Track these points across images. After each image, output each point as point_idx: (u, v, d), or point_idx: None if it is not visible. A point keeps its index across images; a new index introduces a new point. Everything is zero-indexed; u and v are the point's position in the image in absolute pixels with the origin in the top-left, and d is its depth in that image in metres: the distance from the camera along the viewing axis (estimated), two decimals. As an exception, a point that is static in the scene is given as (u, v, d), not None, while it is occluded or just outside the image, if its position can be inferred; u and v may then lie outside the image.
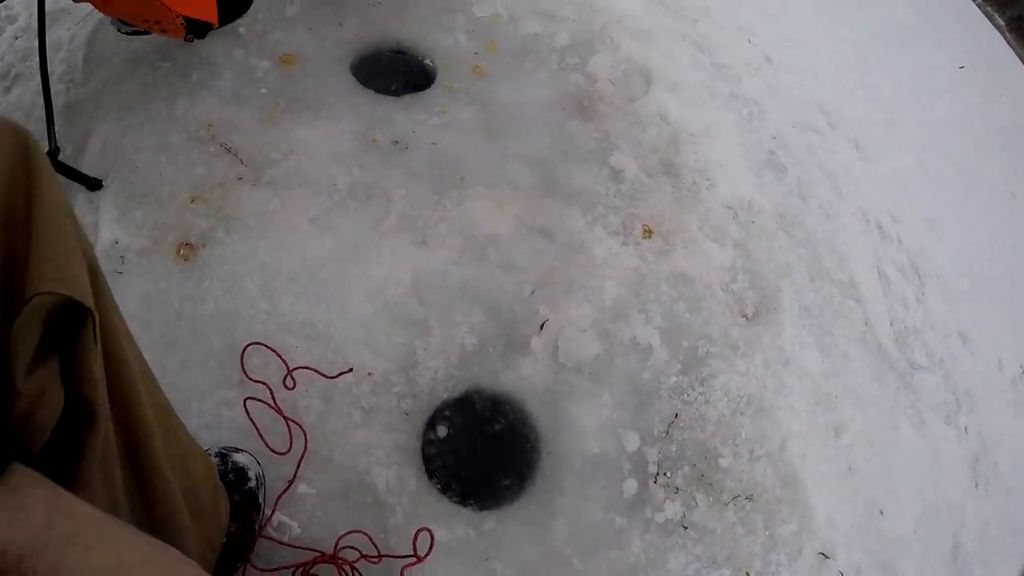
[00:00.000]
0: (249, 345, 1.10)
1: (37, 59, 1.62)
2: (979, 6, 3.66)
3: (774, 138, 1.80)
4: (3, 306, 0.44)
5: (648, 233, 1.41)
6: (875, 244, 1.75)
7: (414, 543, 0.94)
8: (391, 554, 0.97)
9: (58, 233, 0.47)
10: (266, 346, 1.11)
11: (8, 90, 1.60)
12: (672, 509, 1.13)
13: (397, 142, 1.34)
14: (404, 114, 1.40)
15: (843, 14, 3.15)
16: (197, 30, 1.23)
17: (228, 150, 1.27)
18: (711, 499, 1.16)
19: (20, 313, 0.43)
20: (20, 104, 1.54)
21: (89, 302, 0.47)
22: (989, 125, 2.85)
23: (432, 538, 0.96)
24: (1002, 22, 3.66)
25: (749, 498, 1.18)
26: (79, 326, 0.47)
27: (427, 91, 1.47)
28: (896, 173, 2.09)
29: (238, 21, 1.48)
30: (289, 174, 1.26)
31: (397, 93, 1.44)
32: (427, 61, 1.53)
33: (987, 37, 3.60)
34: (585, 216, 1.39)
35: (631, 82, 1.71)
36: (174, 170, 1.26)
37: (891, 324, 1.60)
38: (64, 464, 0.49)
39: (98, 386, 0.49)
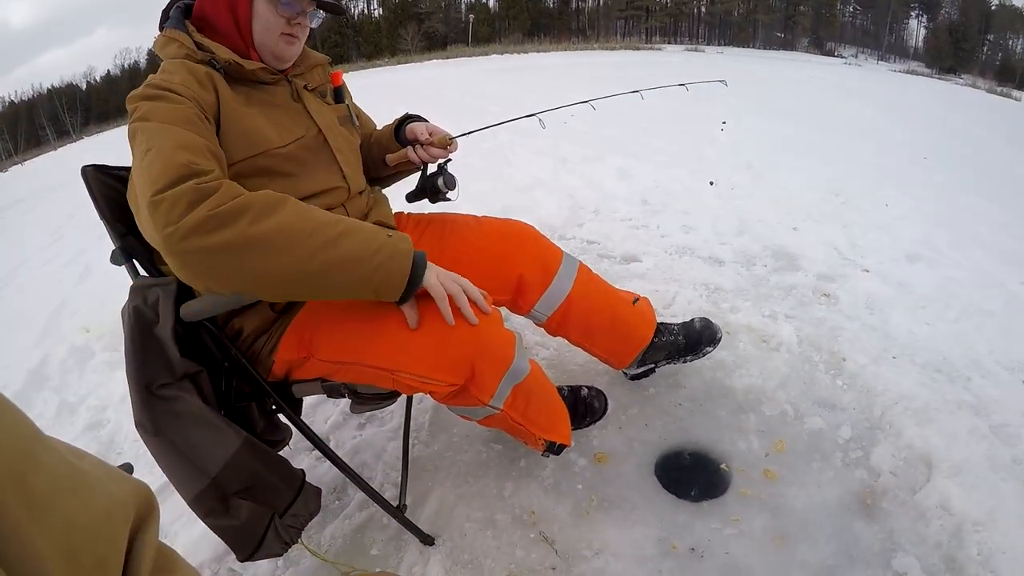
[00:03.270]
0: None
1: (390, 405, 2.14)
2: None
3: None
4: None
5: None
6: None
7: None
8: None
9: None
10: None
11: (363, 427, 2.12)
12: None
13: (694, 550, 1.51)
14: (701, 521, 1.58)
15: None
16: (554, 449, 1.58)
17: (545, 539, 1.55)
18: None
19: None
20: (371, 443, 2.00)
21: None
22: None
23: None
24: None
25: None
26: None
27: (722, 497, 1.66)
28: None
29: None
30: (597, 572, 1.47)
31: (695, 498, 1.65)
32: (723, 466, 1.75)
33: None
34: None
35: (912, 471, 1.74)
36: (497, 547, 1.55)
37: None
38: None
39: None
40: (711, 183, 3.86)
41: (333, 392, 1.43)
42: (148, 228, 1.08)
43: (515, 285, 1.66)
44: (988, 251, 3.63)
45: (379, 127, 1.79)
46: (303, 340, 1.33)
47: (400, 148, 1.65)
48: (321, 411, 2.10)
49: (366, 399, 1.46)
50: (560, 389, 1.86)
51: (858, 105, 12.04)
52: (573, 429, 1.81)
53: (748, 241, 3.20)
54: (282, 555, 1.35)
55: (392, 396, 1.49)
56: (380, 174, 1.74)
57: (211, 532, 1.25)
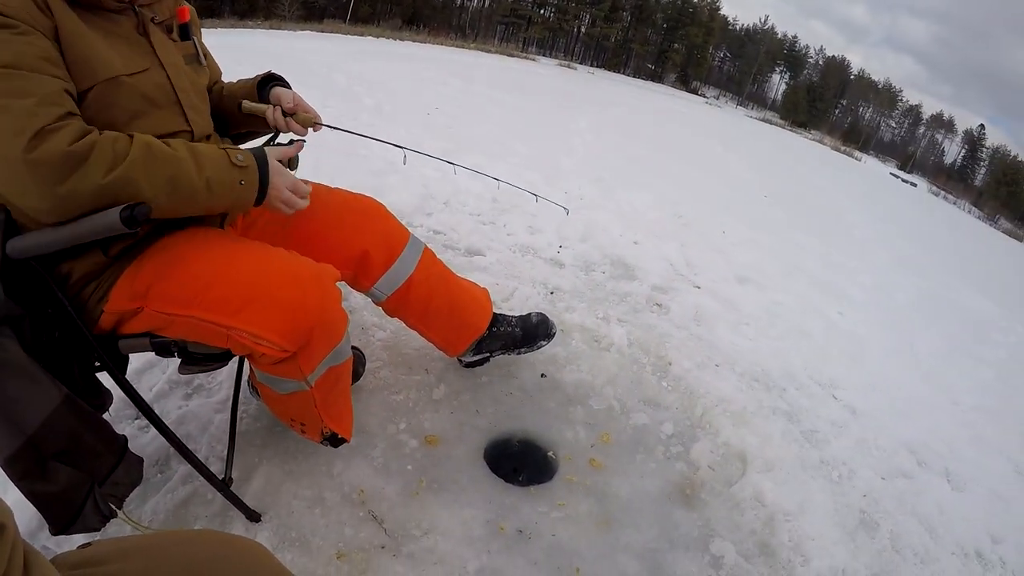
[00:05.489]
0: None
1: (218, 374, 2.09)
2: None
3: (864, 496, 2.04)
4: None
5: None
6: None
7: None
8: None
9: None
10: None
11: (189, 397, 2.05)
12: None
13: (521, 531, 1.62)
14: (529, 505, 1.70)
15: (915, 334, 3.71)
16: (334, 440, 1.58)
17: (375, 518, 1.59)
18: None
19: None
20: (197, 415, 1.92)
21: None
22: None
23: None
24: None
25: None
26: None
27: (549, 483, 1.79)
28: (991, 491, 2.32)
29: (399, 397, 1.96)
30: (426, 551, 1.54)
31: (523, 483, 1.76)
32: (550, 454, 1.89)
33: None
34: (690, 605, 1.59)
35: (729, 466, 1.99)
36: (325, 525, 1.57)
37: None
38: None
39: None
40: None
41: (162, 349, 1.37)
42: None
43: (358, 260, 1.69)
44: (812, 283, 4.13)
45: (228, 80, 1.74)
46: (138, 290, 1.28)
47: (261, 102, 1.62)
48: (147, 379, 2.00)
49: (196, 360, 1.43)
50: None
51: (711, 141, 13.06)
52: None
53: (590, 248, 3.46)
54: (99, 529, 1.30)
55: (223, 359, 1.46)
56: (230, 128, 1.70)
57: (23, 505, 1.18)
